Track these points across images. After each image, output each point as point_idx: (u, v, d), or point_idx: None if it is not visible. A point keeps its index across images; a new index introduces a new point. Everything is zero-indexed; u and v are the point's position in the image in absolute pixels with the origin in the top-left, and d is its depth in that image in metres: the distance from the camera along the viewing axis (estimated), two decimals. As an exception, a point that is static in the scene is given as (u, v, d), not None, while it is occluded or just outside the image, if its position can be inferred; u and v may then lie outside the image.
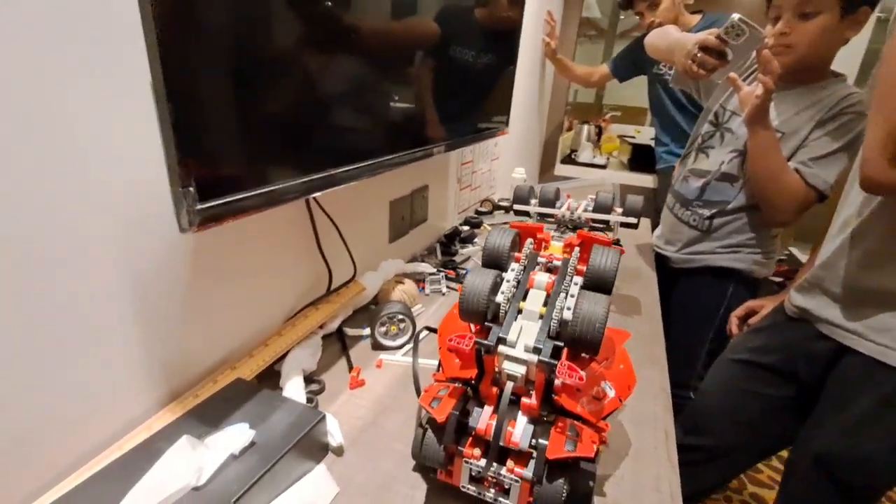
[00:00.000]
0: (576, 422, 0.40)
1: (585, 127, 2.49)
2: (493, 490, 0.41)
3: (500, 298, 0.40)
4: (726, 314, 1.06)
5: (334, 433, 0.50)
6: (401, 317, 0.70)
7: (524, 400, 0.40)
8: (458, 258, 1.08)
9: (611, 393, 0.44)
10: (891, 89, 0.55)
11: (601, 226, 0.95)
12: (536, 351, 0.38)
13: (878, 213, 0.67)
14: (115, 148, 0.40)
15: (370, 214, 0.86)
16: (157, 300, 0.48)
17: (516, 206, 0.97)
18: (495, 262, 0.45)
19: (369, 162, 0.61)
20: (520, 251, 0.49)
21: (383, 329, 0.71)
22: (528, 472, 0.39)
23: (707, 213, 1.04)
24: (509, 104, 1.17)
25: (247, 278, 0.60)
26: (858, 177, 0.65)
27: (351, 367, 0.65)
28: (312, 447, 0.48)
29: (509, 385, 0.38)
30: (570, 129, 2.70)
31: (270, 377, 0.59)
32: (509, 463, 0.40)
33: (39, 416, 0.39)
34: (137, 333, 0.46)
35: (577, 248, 0.49)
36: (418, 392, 0.46)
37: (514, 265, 0.44)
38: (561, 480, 0.38)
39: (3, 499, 0.38)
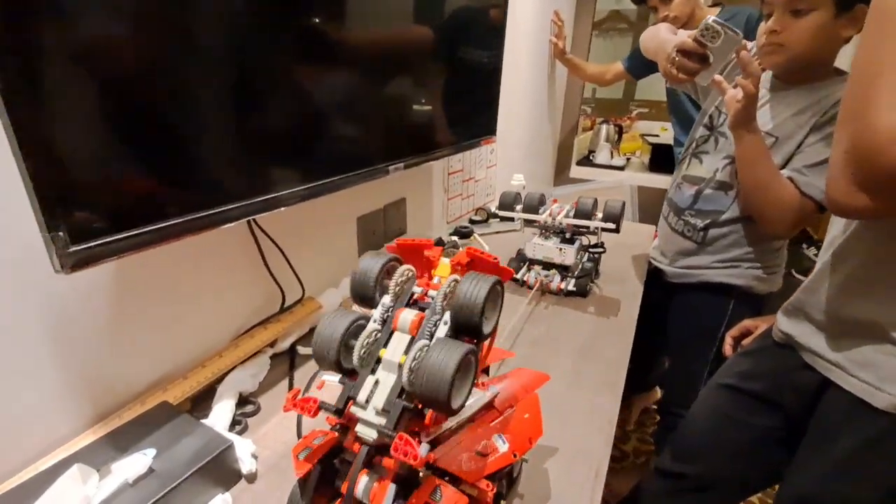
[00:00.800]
0: (443, 483, 0.37)
1: (604, 127, 2.40)
2: None
3: (356, 347, 0.37)
4: (723, 337, 0.99)
5: (245, 460, 0.51)
6: (345, 338, 0.70)
7: (385, 458, 0.37)
8: (437, 271, 1.06)
9: (502, 447, 0.41)
10: (856, 104, 0.49)
11: (584, 230, 0.95)
12: (386, 412, 0.35)
13: (859, 233, 0.60)
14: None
15: (333, 231, 0.87)
16: (76, 325, 0.50)
17: (500, 213, 0.99)
18: (361, 296, 0.41)
19: (298, 188, 0.62)
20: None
21: (330, 349, 0.71)
22: None
23: (700, 223, 0.97)
24: (495, 112, 1.14)
25: (185, 299, 0.61)
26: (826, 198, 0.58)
27: (291, 388, 0.66)
28: (220, 474, 0.49)
29: (363, 449, 0.36)
30: (591, 128, 2.61)
31: (208, 397, 0.61)
32: None
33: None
34: (56, 358, 0.49)
35: (459, 275, 0.43)
36: (299, 436, 0.45)
37: (385, 299, 0.40)
38: None
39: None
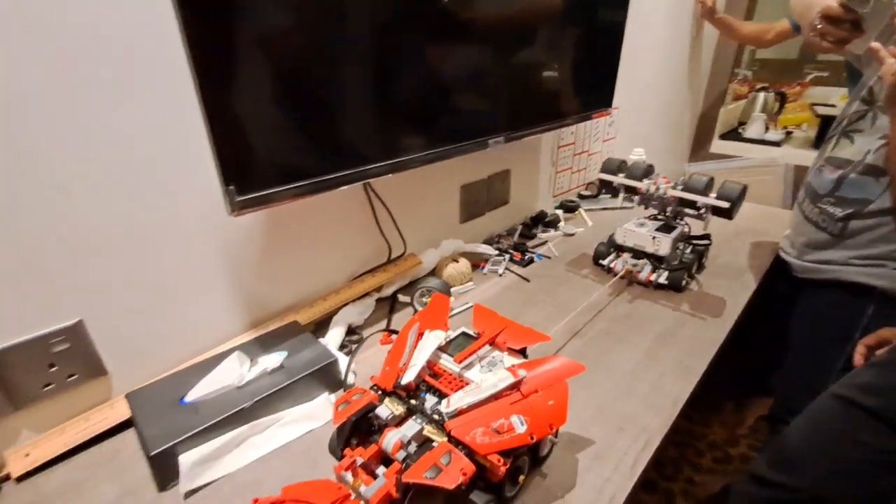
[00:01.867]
0: (454, 450, 0.41)
1: (762, 95, 2.07)
2: (363, 484, 0.43)
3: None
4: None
5: (345, 373, 0.65)
6: (435, 291, 0.80)
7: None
8: (534, 242, 1.11)
9: (520, 428, 0.43)
10: None
11: (690, 210, 0.89)
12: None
13: None
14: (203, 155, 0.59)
15: (438, 197, 0.97)
16: (243, 259, 0.68)
17: (602, 176, 0.96)
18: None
19: (410, 156, 0.72)
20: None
21: (423, 299, 0.82)
22: (375, 486, 0.41)
23: (839, 212, 0.84)
24: (612, 84, 1.11)
25: (315, 244, 0.77)
26: None
27: (388, 327, 0.79)
28: (327, 379, 0.64)
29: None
30: (745, 96, 2.27)
31: (326, 323, 0.77)
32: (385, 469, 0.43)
33: (166, 329, 0.63)
34: (228, 282, 0.68)
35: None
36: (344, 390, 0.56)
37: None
38: None
39: (143, 374, 0.62)
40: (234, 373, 0.59)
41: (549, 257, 1.03)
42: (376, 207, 0.82)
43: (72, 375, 0.56)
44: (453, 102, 0.77)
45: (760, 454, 0.90)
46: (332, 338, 0.72)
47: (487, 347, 0.55)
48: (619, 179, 0.95)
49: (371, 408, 0.48)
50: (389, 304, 0.85)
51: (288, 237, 0.73)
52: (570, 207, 1.28)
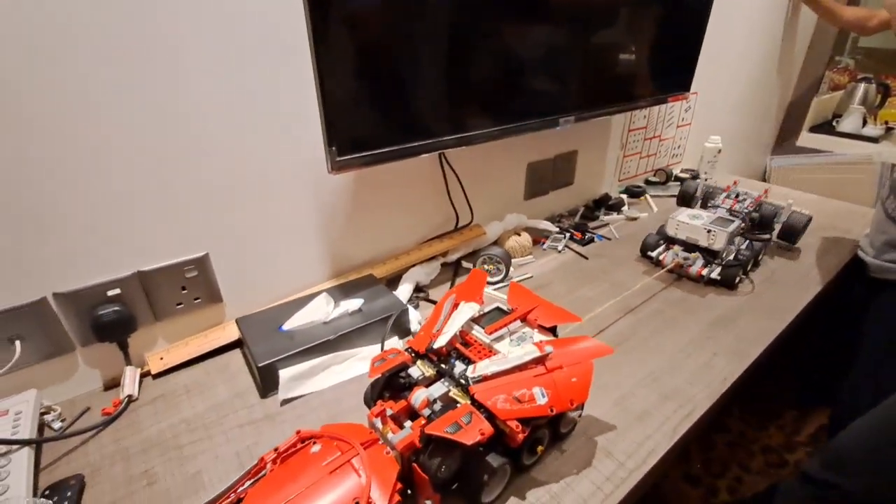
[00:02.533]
0: (475, 412, 0.43)
1: (862, 85, 1.90)
2: (390, 431, 0.44)
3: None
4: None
5: (413, 322, 0.73)
6: (497, 259, 0.87)
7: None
8: (595, 223, 1.13)
9: (540, 400, 0.45)
10: None
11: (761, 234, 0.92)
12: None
13: None
14: (309, 119, 0.68)
15: (505, 173, 1.02)
16: (331, 215, 0.78)
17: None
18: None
19: (482, 131, 0.77)
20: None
21: (485, 266, 0.89)
22: (402, 434, 0.43)
23: None
24: (692, 67, 1.09)
25: (393, 207, 0.86)
26: None
27: (451, 287, 0.86)
28: (398, 326, 0.72)
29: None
30: (844, 86, 2.09)
31: (396, 280, 0.85)
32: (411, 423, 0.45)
33: (270, 270, 0.74)
34: (318, 234, 0.78)
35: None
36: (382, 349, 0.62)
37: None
38: (439, 458, 0.41)
39: (249, 305, 0.74)
40: (322, 310, 0.69)
41: (609, 239, 1.06)
42: (448, 178, 0.89)
43: (197, 298, 0.68)
44: (527, 80, 0.81)
45: (814, 455, 0.89)
46: (402, 292, 0.81)
47: (519, 323, 0.57)
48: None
49: (404, 367, 0.51)
50: (453, 269, 0.93)
51: (370, 200, 0.82)
52: (635, 193, 1.28)
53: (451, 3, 0.66)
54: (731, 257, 0.87)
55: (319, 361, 0.65)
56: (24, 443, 0.51)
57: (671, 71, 1.08)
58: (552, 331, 0.58)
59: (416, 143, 0.70)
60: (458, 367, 0.51)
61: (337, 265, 0.83)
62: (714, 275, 0.85)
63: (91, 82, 0.52)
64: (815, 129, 1.98)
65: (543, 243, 1.02)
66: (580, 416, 0.57)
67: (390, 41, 0.63)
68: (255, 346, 0.63)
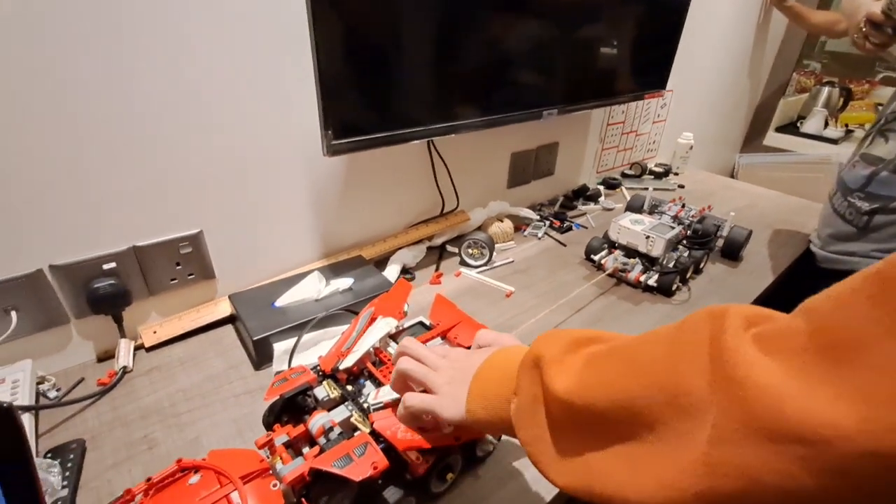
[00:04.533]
0: (372, 443, 0.40)
1: (826, 89, 2.01)
2: (280, 461, 0.41)
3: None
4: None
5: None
6: (482, 244, 0.91)
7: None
8: (574, 213, 1.18)
9: (447, 428, 0.43)
10: None
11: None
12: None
13: None
14: (304, 104, 0.70)
15: (490, 162, 1.05)
16: (323, 197, 0.80)
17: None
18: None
19: (469, 120, 0.80)
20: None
21: (469, 250, 0.93)
22: (292, 466, 0.39)
23: (866, 206, 0.88)
24: (668, 65, 1.15)
25: (382, 191, 0.88)
26: None
27: (436, 270, 0.90)
28: (386, 305, 0.76)
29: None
30: (809, 89, 2.20)
31: (384, 261, 0.89)
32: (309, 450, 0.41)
33: (262, 248, 0.76)
34: (311, 215, 0.80)
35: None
36: (289, 364, 0.59)
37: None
38: (326, 496, 0.39)
39: (241, 282, 0.76)
40: (314, 288, 0.72)
41: (586, 227, 1.11)
42: (436, 165, 0.92)
43: (190, 274, 0.70)
44: (513, 73, 0.85)
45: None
46: (390, 272, 0.84)
47: (439, 340, 0.55)
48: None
49: (306, 388, 0.47)
50: (439, 253, 0.96)
51: (360, 183, 0.84)
52: (612, 184, 1.34)
53: (445, -4, 0.69)
54: (671, 265, 0.86)
55: (311, 336, 0.68)
56: (24, 409, 0.53)
57: (649, 69, 1.13)
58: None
59: (406, 130, 0.73)
60: (369, 388, 0.49)
61: (327, 245, 0.85)
62: (651, 281, 0.84)
63: (87, 61, 0.53)
64: (780, 129, 2.08)
65: (524, 230, 1.07)
66: (499, 439, 0.53)
67: (384, 31, 0.65)
68: (250, 321, 0.66)
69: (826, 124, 1.99)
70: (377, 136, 0.69)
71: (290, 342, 0.65)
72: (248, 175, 0.70)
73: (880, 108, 1.94)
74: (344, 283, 0.74)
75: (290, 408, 0.47)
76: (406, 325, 0.59)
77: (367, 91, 0.67)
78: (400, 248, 0.91)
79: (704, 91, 1.62)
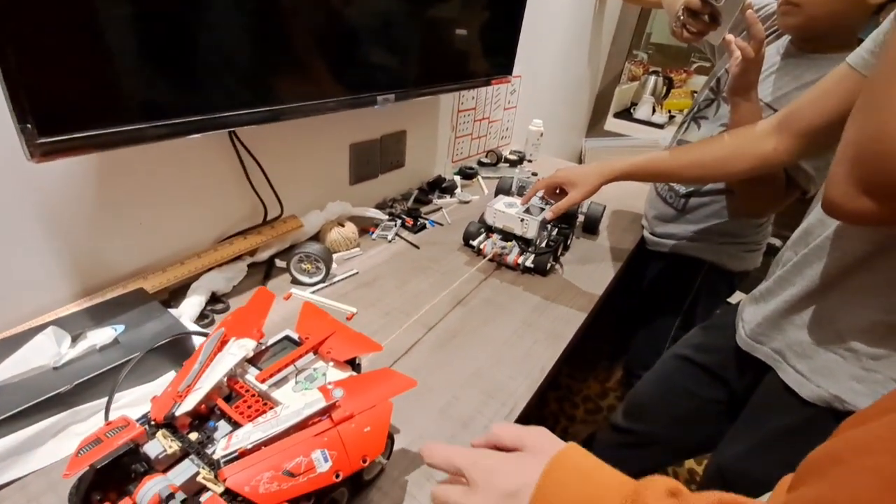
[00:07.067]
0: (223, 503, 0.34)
1: (652, 78, 2.23)
2: None
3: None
4: (693, 307, 0.99)
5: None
6: (315, 257, 0.75)
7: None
8: (429, 207, 1.09)
9: (322, 466, 0.36)
10: (877, 93, 0.43)
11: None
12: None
13: (845, 231, 0.56)
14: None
15: (323, 155, 0.89)
16: (66, 215, 0.57)
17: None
18: None
19: (284, 105, 0.64)
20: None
21: (301, 265, 0.77)
22: None
23: (682, 189, 0.94)
24: (513, 50, 1.09)
25: (170, 200, 0.67)
26: (822, 196, 0.54)
27: (260, 294, 0.73)
28: (176, 355, 0.57)
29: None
30: (639, 78, 2.43)
31: (184, 290, 0.68)
32: None
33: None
34: (44, 236, 0.56)
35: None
36: (106, 417, 0.44)
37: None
38: None
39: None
40: (49, 351, 0.50)
41: (441, 224, 1.02)
42: (246, 163, 0.73)
43: None
44: (342, 50, 0.70)
45: (618, 408, 1.01)
46: (188, 307, 0.64)
47: (311, 357, 0.48)
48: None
49: (129, 449, 0.37)
50: (265, 270, 0.78)
51: (133, 189, 0.62)
52: (468, 174, 1.28)
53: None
54: (544, 244, 0.89)
55: (48, 424, 0.47)
56: None
57: (494, 53, 1.06)
58: (352, 364, 0.48)
59: (182, 120, 0.54)
60: (223, 430, 0.39)
61: (89, 279, 0.62)
62: (528, 262, 0.85)
63: None
64: (618, 115, 2.26)
65: (372, 233, 0.94)
66: (388, 457, 0.48)
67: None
68: (-80, 423, 0.42)
69: (654, 111, 2.21)
70: (124, 130, 0.49)
71: (8, 442, 0.44)
72: None
73: (696, 94, 2.22)
74: (103, 335, 0.53)
75: (109, 479, 0.36)
76: (270, 343, 0.49)
77: (101, 55, 0.46)
78: (208, 271, 0.71)
79: (551, 79, 1.64)
